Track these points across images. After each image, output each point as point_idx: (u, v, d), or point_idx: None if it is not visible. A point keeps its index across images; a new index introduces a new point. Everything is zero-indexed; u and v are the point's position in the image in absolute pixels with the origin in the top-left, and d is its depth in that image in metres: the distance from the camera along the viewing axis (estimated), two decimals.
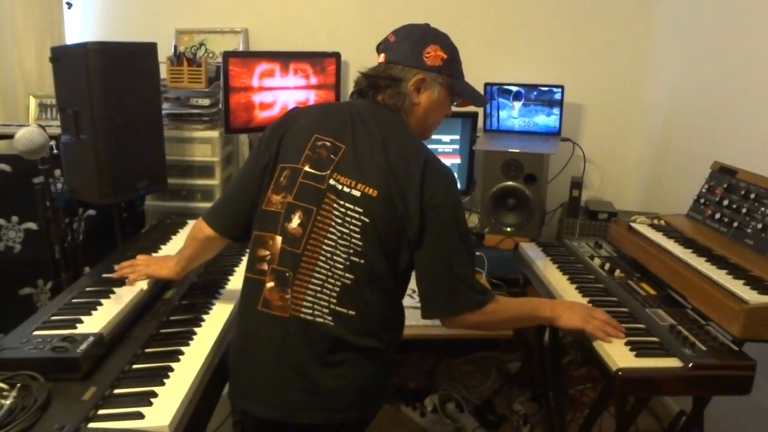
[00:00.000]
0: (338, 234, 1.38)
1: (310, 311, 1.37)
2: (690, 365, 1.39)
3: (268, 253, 1.42)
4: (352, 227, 1.38)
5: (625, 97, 3.18)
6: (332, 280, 1.38)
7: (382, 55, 1.52)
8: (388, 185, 1.38)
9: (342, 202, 1.39)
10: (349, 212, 1.39)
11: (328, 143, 1.44)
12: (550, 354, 2.16)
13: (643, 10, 3.07)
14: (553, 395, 2.10)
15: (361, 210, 1.38)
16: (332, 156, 1.42)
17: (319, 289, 1.38)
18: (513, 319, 1.56)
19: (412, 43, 1.49)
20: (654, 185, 3.11)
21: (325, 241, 1.39)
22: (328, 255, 1.38)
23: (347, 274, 1.38)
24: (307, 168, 1.42)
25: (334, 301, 1.38)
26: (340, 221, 1.39)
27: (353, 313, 1.38)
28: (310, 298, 1.38)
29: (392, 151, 1.41)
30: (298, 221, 1.40)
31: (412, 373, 3.07)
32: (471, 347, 3.34)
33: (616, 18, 3.10)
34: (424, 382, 3.05)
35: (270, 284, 1.40)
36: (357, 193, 1.39)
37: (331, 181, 1.40)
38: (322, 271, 1.38)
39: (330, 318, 1.37)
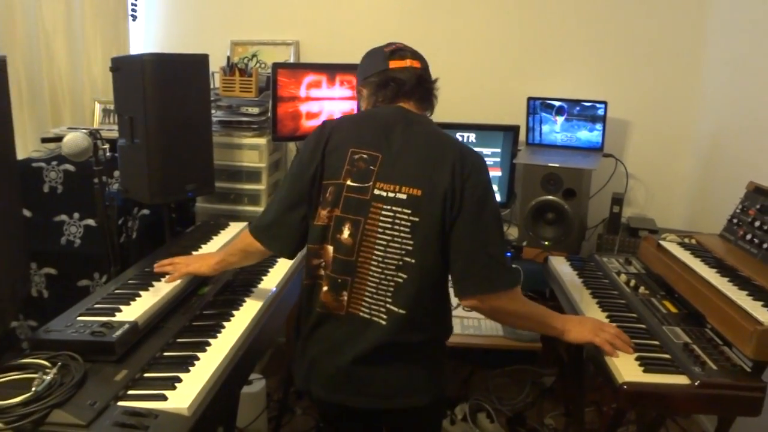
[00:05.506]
0: (389, 237, 1.48)
1: (368, 310, 1.51)
2: (697, 383, 1.40)
3: (321, 260, 1.55)
4: (402, 228, 1.47)
5: (672, 114, 3.13)
6: (386, 282, 1.49)
7: (417, 61, 1.63)
8: (429, 181, 1.48)
9: (389, 207, 1.48)
10: (398, 215, 1.48)
11: (365, 155, 1.53)
12: (571, 367, 2.17)
13: (692, 27, 3.03)
14: (573, 407, 2.11)
15: (409, 211, 1.48)
16: (371, 167, 1.52)
17: (374, 290, 1.50)
18: (527, 316, 1.60)
19: (423, 57, 1.66)
20: (700, 204, 3.06)
21: (376, 247, 1.49)
22: (380, 259, 1.49)
23: (400, 274, 1.48)
24: (349, 182, 1.52)
25: (389, 300, 1.49)
26: (389, 226, 1.48)
27: (404, 311, 1.48)
28: (367, 299, 1.51)
29: (426, 147, 1.52)
30: (348, 232, 1.51)
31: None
32: (507, 360, 3.35)
33: (664, 34, 3.07)
34: (457, 390, 3.08)
35: (325, 288, 1.54)
36: (403, 196, 1.48)
37: (376, 191, 1.50)
38: (375, 274, 1.49)
39: (385, 317, 1.49)
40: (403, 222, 1.47)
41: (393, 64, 1.60)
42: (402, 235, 1.47)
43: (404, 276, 1.47)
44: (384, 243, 1.48)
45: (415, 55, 1.64)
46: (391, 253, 1.48)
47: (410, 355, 1.52)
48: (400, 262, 1.47)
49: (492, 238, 1.49)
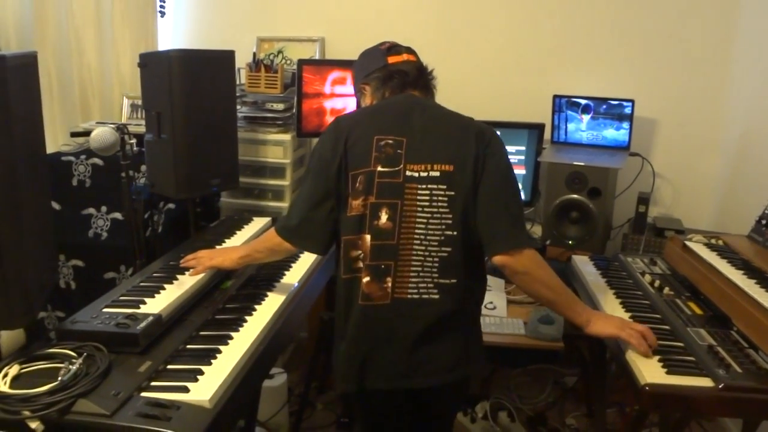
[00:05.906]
0: (428, 215, 1.53)
1: (416, 291, 1.53)
2: (721, 386, 1.38)
3: (360, 252, 1.56)
4: (440, 204, 1.53)
5: (700, 113, 3.08)
6: (430, 258, 1.53)
7: (412, 55, 1.73)
8: (458, 155, 1.54)
9: (424, 185, 1.54)
10: (434, 192, 1.53)
11: (390, 141, 1.57)
12: (593, 367, 2.15)
13: (721, 25, 2.98)
14: (595, 408, 2.09)
15: (445, 186, 1.54)
16: (399, 151, 1.56)
17: (420, 269, 1.53)
18: (556, 289, 1.58)
19: (416, 52, 1.77)
20: (728, 205, 3.01)
21: (416, 226, 1.53)
22: (422, 237, 1.53)
23: (444, 248, 1.53)
24: (379, 168, 1.56)
25: (436, 275, 1.53)
26: (427, 204, 1.53)
27: (454, 280, 1.54)
28: (413, 280, 1.53)
29: (447, 125, 1.60)
30: (386, 216, 1.54)
31: None
32: (529, 359, 3.33)
33: (693, 32, 3.02)
34: (478, 388, 3.07)
35: (366, 279, 1.55)
36: (436, 173, 1.54)
37: (408, 173, 1.55)
38: (419, 252, 1.53)
39: (435, 291, 1.53)
40: (440, 198, 1.53)
41: (392, 59, 1.69)
42: (441, 210, 1.53)
43: (448, 249, 1.52)
44: (424, 221, 1.53)
45: (410, 50, 1.73)
46: (432, 229, 1.53)
47: (464, 322, 1.59)
48: (442, 237, 1.52)
49: (513, 199, 1.57)
